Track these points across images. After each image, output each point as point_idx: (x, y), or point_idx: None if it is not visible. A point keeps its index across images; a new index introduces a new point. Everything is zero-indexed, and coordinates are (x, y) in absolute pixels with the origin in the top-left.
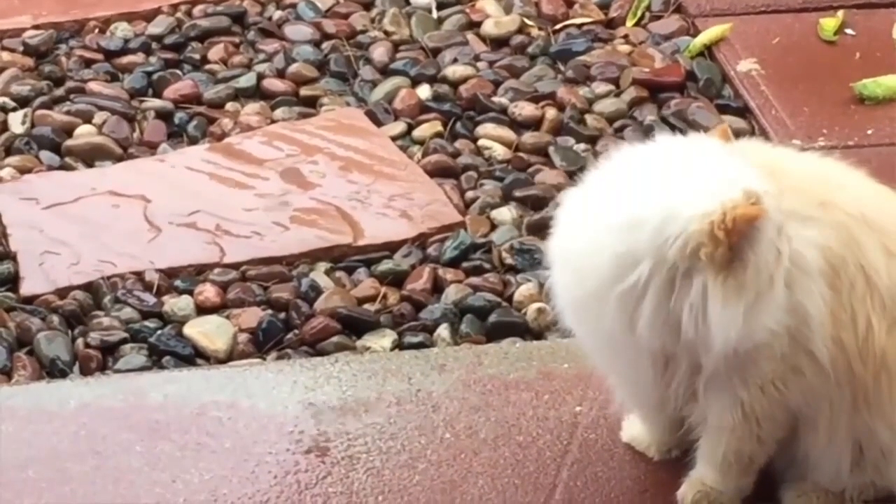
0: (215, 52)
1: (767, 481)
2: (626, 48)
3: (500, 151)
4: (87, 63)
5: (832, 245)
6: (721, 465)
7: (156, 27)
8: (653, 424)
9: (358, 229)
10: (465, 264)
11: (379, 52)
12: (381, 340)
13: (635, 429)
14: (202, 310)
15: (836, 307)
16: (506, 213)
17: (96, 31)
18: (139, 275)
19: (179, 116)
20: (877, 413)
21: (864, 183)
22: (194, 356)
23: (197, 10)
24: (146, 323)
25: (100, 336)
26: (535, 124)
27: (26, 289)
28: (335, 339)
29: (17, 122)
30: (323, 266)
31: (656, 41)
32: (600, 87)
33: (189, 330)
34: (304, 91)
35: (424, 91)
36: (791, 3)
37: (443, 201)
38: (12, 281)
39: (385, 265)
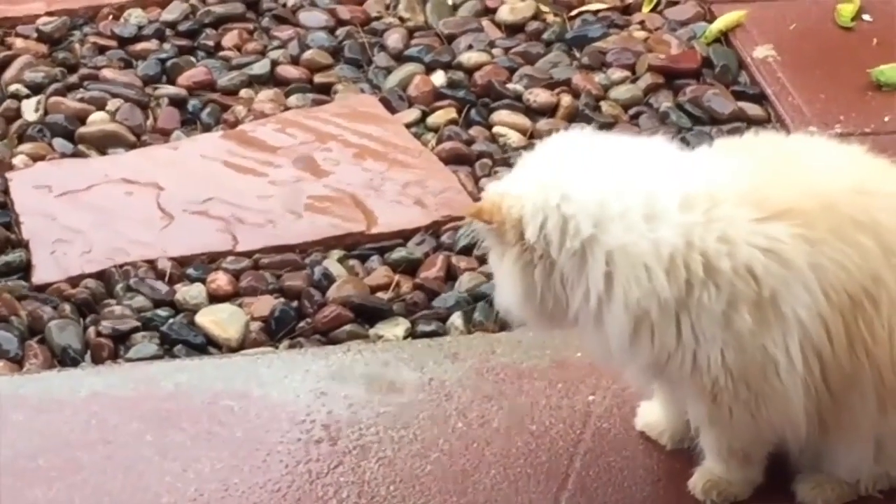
0: (229, 39)
1: (782, 471)
2: (641, 34)
3: (514, 138)
4: (101, 50)
5: (869, 264)
6: (719, 457)
7: (170, 14)
8: (666, 407)
9: (371, 217)
10: (478, 252)
11: (393, 39)
12: (394, 329)
13: (650, 416)
14: (214, 298)
15: (873, 325)
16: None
17: (110, 17)
18: (151, 263)
19: (193, 103)
20: None
21: None
22: (206, 345)
23: None
24: (158, 311)
25: (111, 324)
26: (550, 111)
27: (38, 277)
28: (348, 327)
29: (30, 110)
30: (336, 254)
31: (672, 27)
32: (616, 74)
33: (201, 318)
34: (319, 78)
35: (439, 78)
36: None
37: (457, 189)
38: (24, 269)
39: (398, 253)
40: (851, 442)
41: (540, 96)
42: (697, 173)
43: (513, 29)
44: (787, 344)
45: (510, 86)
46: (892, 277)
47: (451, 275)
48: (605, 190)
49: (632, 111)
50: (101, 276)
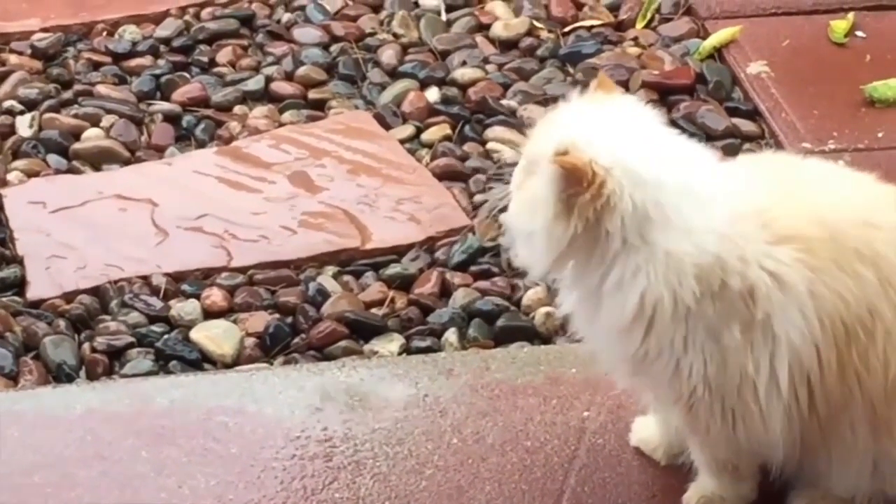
0: (223, 55)
1: (777, 488)
2: (635, 50)
3: (508, 154)
4: (95, 66)
5: (867, 295)
6: (709, 471)
7: (164, 30)
8: (661, 421)
9: (366, 233)
10: (473, 268)
11: (387, 55)
12: (389, 345)
13: (644, 431)
14: (209, 314)
15: (868, 357)
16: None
17: (104, 33)
18: (146, 279)
19: (187, 119)
20: None
21: None
22: (201, 361)
23: (205, 12)
24: (153, 327)
25: (106, 340)
26: None
27: (33, 293)
28: (342, 343)
29: (24, 126)
30: (330, 270)
31: (666, 43)
32: None
33: (196, 334)
34: (313, 94)
35: (433, 94)
36: (801, 5)
37: (451, 205)
38: (19, 285)
39: (393, 269)
40: (845, 462)
41: (534, 112)
42: (739, 188)
43: (507, 45)
44: (776, 367)
45: (504, 102)
46: (889, 310)
47: (445, 291)
48: (679, 185)
49: None
50: (95, 291)
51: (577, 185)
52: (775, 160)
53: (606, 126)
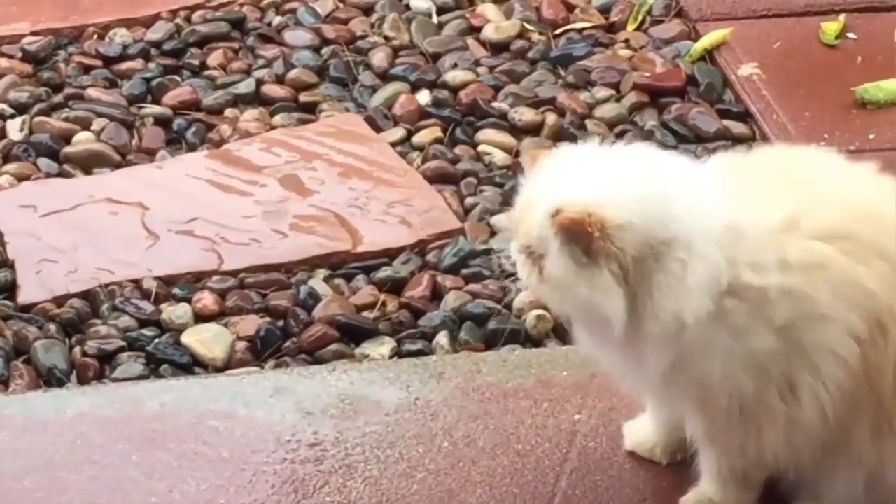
0: (214, 58)
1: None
2: (626, 53)
3: (500, 157)
4: (86, 69)
5: (887, 290)
6: (717, 477)
7: (155, 33)
8: (657, 420)
9: (357, 236)
10: (464, 271)
11: (378, 58)
12: (380, 348)
13: (638, 434)
14: (200, 318)
15: (881, 357)
16: (506, 220)
17: (95, 37)
18: (137, 282)
19: (178, 123)
20: None
21: None
22: (192, 364)
23: (196, 15)
24: (144, 331)
25: (97, 344)
26: (535, 130)
27: (24, 297)
28: (333, 346)
29: (15, 129)
30: (321, 273)
31: (657, 45)
32: (601, 92)
33: (187, 338)
34: (304, 97)
35: (424, 97)
36: (792, 6)
37: (442, 208)
38: (9, 289)
39: (384, 272)
40: (849, 468)
41: (525, 115)
42: (738, 191)
43: (498, 48)
44: (801, 372)
45: (495, 104)
46: None
47: (436, 294)
48: (672, 197)
49: (617, 129)
50: (86, 295)
51: (586, 236)
52: (774, 155)
53: (576, 176)
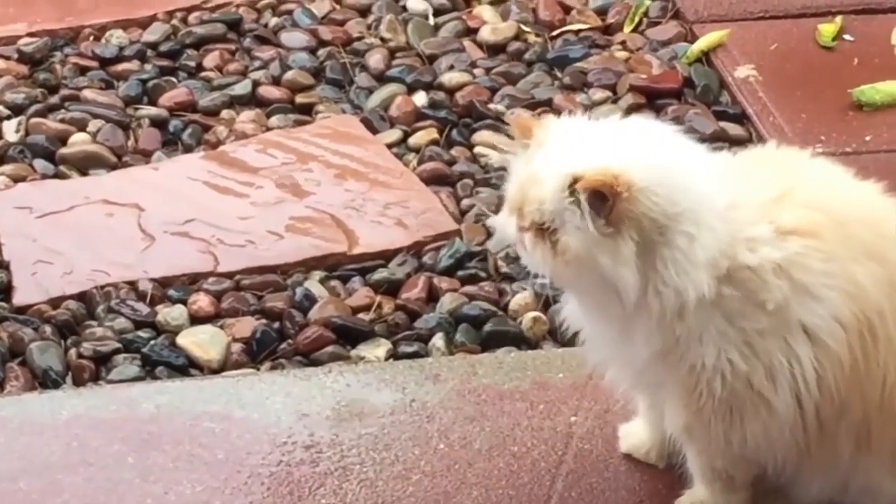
0: (211, 60)
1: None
2: (623, 54)
3: (496, 159)
4: (82, 70)
5: (877, 292)
6: (703, 479)
7: (151, 34)
8: (650, 421)
9: (353, 238)
10: (460, 273)
11: (375, 59)
12: (376, 350)
13: (633, 437)
14: (196, 319)
15: (871, 362)
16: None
17: (91, 38)
18: (133, 284)
19: (174, 124)
20: (877, 456)
21: None
22: (188, 366)
23: (192, 17)
24: (139, 333)
25: (93, 346)
26: None
27: (19, 298)
28: (329, 348)
29: (10, 131)
30: (317, 275)
31: (654, 47)
32: (597, 94)
33: (182, 340)
34: (300, 98)
35: (420, 98)
36: (789, 8)
37: (438, 209)
38: (5, 290)
39: (380, 274)
40: (825, 473)
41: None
42: (744, 180)
43: (494, 49)
44: (791, 358)
45: (492, 106)
46: (891, 314)
47: (432, 296)
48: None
49: None
50: (82, 297)
51: (615, 196)
52: (779, 155)
53: (584, 147)
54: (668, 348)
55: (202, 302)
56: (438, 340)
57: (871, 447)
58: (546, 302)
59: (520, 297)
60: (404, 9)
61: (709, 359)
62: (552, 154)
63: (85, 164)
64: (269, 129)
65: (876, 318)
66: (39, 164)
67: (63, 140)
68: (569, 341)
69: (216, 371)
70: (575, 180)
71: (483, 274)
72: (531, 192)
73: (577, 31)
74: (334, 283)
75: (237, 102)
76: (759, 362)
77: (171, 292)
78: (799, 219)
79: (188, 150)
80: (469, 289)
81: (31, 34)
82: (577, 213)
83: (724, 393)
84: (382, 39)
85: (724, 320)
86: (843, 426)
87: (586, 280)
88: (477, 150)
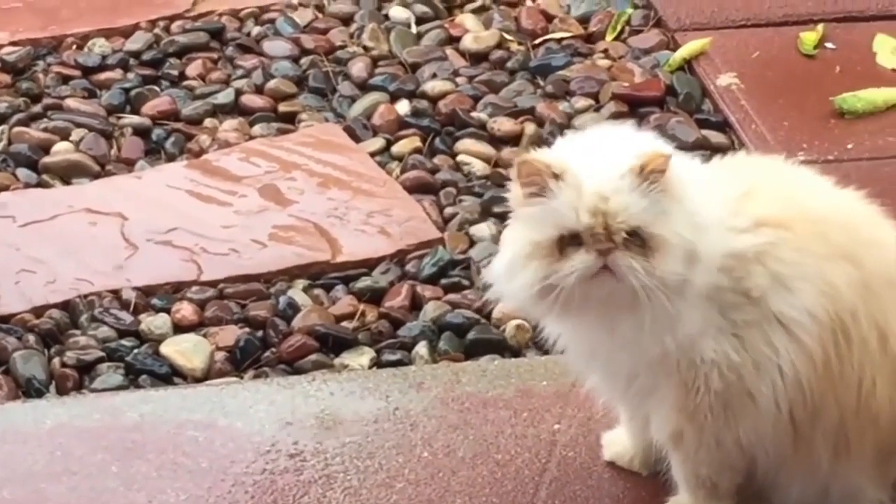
0: (193, 69)
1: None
2: (605, 63)
3: (479, 167)
4: (65, 79)
5: (850, 292)
6: (687, 487)
7: (134, 43)
8: (632, 431)
9: (336, 246)
10: (443, 281)
11: (358, 68)
12: (359, 358)
13: (616, 445)
14: (179, 328)
15: (846, 365)
16: (485, 230)
17: (74, 47)
18: (116, 293)
19: (157, 133)
20: (856, 461)
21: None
22: (171, 375)
23: (175, 26)
24: (123, 342)
25: (76, 355)
26: (514, 140)
27: (2, 307)
28: (313, 357)
29: None
30: (301, 283)
31: (636, 56)
32: (580, 102)
33: (166, 348)
34: (283, 107)
35: (403, 107)
36: (771, 16)
37: (421, 218)
38: None
39: (363, 282)
40: (805, 478)
41: (504, 125)
42: (721, 177)
43: (477, 58)
44: (772, 350)
45: (474, 114)
46: (865, 318)
47: (416, 304)
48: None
49: None
50: (65, 306)
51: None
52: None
53: (614, 144)
54: (670, 351)
55: (185, 311)
56: (422, 348)
57: (851, 453)
58: None
59: (503, 306)
60: (387, 17)
61: (707, 353)
62: (585, 173)
63: (68, 173)
64: (251, 137)
65: (849, 318)
66: (22, 172)
67: (46, 149)
68: (552, 349)
69: (200, 380)
70: (641, 168)
71: (466, 282)
72: (609, 206)
73: (560, 40)
74: (318, 291)
75: (220, 111)
76: (747, 355)
77: (155, 301)
78: (769, 210)
79: (171, 158)
80: (452, 297)
81: (13, 43)
82: (660, 198)
83: (720, 386)
84: (365, 48)
85: (718, 313)
86: (819, 431)
87: (682, 259)
88: (460, 158)
